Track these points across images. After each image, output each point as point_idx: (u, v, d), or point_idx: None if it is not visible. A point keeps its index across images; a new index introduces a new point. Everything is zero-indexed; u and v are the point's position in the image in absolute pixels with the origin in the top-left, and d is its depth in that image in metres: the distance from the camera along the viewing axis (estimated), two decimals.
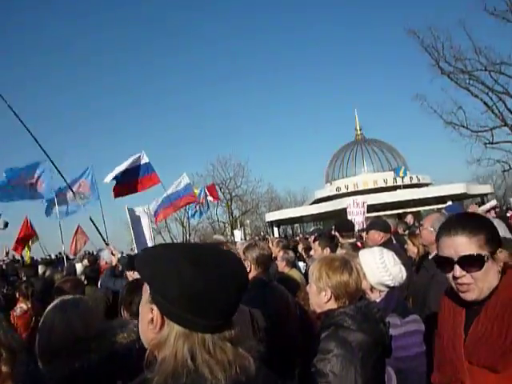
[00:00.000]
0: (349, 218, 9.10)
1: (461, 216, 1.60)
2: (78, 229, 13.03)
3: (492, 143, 27.51)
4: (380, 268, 2.34)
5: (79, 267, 6.72)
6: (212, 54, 74.42)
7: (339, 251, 3.22)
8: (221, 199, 41.77)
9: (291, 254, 4.96)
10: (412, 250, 4.61)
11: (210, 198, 15.96)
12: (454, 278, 1.43)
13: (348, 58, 75.63)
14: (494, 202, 8.10)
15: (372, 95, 75.80)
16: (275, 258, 5.12)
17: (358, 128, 36.78)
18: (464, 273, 1.41)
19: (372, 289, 2.38)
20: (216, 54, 74.26)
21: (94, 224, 6.53)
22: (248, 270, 2.62)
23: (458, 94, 28.64)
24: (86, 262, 8.02)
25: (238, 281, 0.93)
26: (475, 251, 1.40)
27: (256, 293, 2.56)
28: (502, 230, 3.34)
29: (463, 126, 27.71)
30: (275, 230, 32.66)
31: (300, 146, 78.30)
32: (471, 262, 1.41)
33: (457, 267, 1.41)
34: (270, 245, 5.22)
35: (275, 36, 76.88)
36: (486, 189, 30.17)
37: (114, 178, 8.44)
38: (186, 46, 71.85)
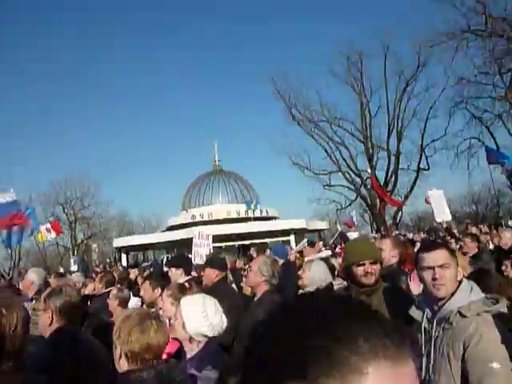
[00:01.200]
0: (193, 249, 9.04)
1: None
2: None
3: (329, 185, 31.53)
4: (200, 318, 2.22)
5: None
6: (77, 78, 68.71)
7: (165, 292, 3.02)
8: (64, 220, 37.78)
9: (126, 291, 4.53)
10: (248, 288, 4.70)
11: (51, 236, 14.42)
12: None
13: (212, 90, 78.80)
14: (304, 241, 8.84)
15: (232, 128, 79.67)
16: (106, 294, 4.62)
17: (216, 159, 37.93)
18: None
19: (191, 339, 2.24)
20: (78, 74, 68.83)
21: None
22: (49, 321, 2.22)
23: (305, 139, 32.20)
24: None
25: None
26: None
27: (58, 350, 2.18)
28: (323, 273, 3.60)
29: (307, 168, 31.20)
30: (123, 256, 30.61)
31: (159, 171, 76.99)
32: None
33: None
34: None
35: (138, 60, 75.42)
36: (322, 225, 34.02)
37: None
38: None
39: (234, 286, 4.69)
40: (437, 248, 2.01)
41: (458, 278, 2.05)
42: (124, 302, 4.35)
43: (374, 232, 25.85)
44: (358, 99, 30.33)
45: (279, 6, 73.37)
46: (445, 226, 9.66)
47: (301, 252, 7.97)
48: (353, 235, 12.12)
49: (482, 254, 5.53)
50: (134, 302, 5.35)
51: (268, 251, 9.48)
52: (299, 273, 3.46)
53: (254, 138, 79.11)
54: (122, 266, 21.80)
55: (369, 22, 60.92)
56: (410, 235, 18.40)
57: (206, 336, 2.25)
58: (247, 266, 6.61)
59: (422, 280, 2.02)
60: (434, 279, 1.94)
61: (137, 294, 6.12)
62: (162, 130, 75.03)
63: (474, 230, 13.08)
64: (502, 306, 1.93)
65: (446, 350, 1.89)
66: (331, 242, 13.46)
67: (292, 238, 28.18)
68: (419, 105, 28.92)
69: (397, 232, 22.25)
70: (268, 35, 76.61)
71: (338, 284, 3.30)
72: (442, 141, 28.55)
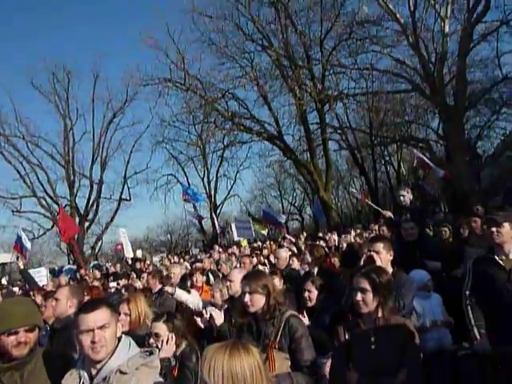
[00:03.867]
0: None
1: None
2: None
3: (19, 211, 27.49)
4: None
5: None
6: None
7: None
8: None
9: None
10: None
11: None
12: None
13: None
14: None
15: None
16: None
17: None
18: None
19: None
20: None
21: None
22: None
23: None
24: None
25: None
26: None
27: None
28: None
29: None
30: None
31: None
32: None
33: None
34: None
35: None
36: (7, 258, 29.06)
37: None
38: None
39: None
40: (96, 308, 1.95)
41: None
42: None
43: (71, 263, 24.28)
44: (62, 120, 28.48)
45: None
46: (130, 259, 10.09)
47: None
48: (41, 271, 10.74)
49: None
50: None
51: None
52: None
53: None
54: None
55: (84, 43, 59.08)
56: (109, 265, 18.30)
57: None
58: None
59: (79, 343, 1.93)
60: (93, 342, 1.89)
61: None
62: None
63: (174, 259, 14.40)
64: (155, 358, 2.08)
65: None
66: None
67: None
68: (125, 137, 29.96)
69: (95, 262, 21.70)
70: None
71: None
72: (143, 174, 30.42)
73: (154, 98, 21.92)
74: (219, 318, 3.55)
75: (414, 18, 14.92)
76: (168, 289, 4.63)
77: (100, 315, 1.93)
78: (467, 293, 3.30)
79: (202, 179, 32.46)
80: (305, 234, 15.52)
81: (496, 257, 3.19)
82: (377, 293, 2.45)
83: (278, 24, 18.75)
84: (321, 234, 12.72)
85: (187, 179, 31.95)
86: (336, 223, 18.92)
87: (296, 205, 40.49)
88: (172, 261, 13.93)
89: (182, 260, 14.15)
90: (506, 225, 3.16)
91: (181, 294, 4.60)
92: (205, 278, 6.65)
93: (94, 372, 1.93)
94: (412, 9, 14.83)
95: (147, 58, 33.31)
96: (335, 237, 9.49)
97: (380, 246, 3.26)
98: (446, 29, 14.89)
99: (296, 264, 5.91)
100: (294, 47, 19.26)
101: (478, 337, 3.12)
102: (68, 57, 58.17)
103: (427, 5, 15.22)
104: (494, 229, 3.18)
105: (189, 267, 8.63)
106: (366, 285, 2.46)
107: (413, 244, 4.79)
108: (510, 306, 3.02)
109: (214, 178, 32.45)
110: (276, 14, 18.75)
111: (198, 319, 4.11)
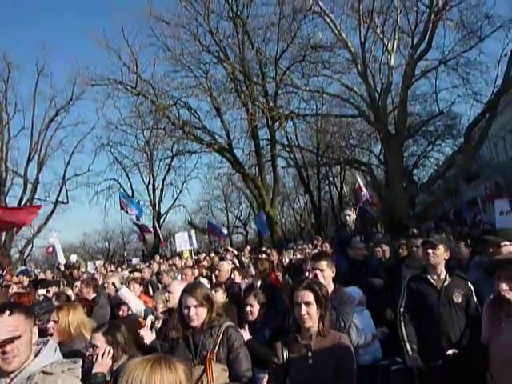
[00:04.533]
0: None
1: None
2: None
3: None
4: None
5: None
6: None
7: None
8: None
9: None
10: None
11: None
12: None
13: None
14: None
15: None
16: None
17: None
18: None
19: None
20: None
21: None
22: None
23: None
24: None
25: None
26: None
27: None
28: None
29: None
30: None
31: None
32: None
33: None
34: None
35: None
36: None
37: None
38: None
39: None
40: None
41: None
42: None
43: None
44: None
45: None
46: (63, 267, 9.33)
47: None
48: None
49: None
50: None
51: None
52: None
53: None
54: None
55: (29, 37, 55.90)
56: (38, 271, 17.14)
57: None
58: None
59: None
60: (3, 353, 1.73)
61: None
62: None
63: (111, 267, 13.81)
64: (78, 367, 1.95)
65: None
66: None
67: None
68: (67, 137, 28.48)
69: (23, 267, 20.12)
70: None
71: None
72: (84, 177, 29.00)
73: (102, 99, 21.06)
74: (149, 336, 3.34)
75: (364, 48, 15.75)
76: (115, 283, 4.40)
77: (10, 323, 1.74)
78: (401, 310, 3.45)
79: (147, 186, 31.61)
80: (248, 248, 15.54)
81: (429, 276, 3.38)
82: (319, 305, 2.47)
83: (235, 39, 19.01)
84: (264, 249, 12.79)
85: (131, 185, 31.01)
86: (279, 238, 19.17)
87: (241, 218, 40.60)
88: (109, 269, 13.29)
89: (119, 269, 13.55)
90: (441, 247, 3.37)
91: (125, 293, 4.39)
92: (142, 288, 6.40)
93: (7, 381, 1.76)
94: (362, 40, 15.65)
95: (97, 58, 32.13)
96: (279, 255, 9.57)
97: (324, 263, 3.28)
98: (392, 62, 15.88)
99: (237, 277, 5.85)
100: (249, 63, 19.57)
101: (411, 352, 3.25)
102: (12, 49, 54.60)
103: (376, 38, 16.17)
104: (430, 250, 3.37)
105: (128, 275, 8.24)
106: (310, 298, 2.47)
107: (360, 263, 5.06)
108: (440, 322, 3.20)
109: (160, 186, 31.71)
110: (234, 29, 19.01)
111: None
